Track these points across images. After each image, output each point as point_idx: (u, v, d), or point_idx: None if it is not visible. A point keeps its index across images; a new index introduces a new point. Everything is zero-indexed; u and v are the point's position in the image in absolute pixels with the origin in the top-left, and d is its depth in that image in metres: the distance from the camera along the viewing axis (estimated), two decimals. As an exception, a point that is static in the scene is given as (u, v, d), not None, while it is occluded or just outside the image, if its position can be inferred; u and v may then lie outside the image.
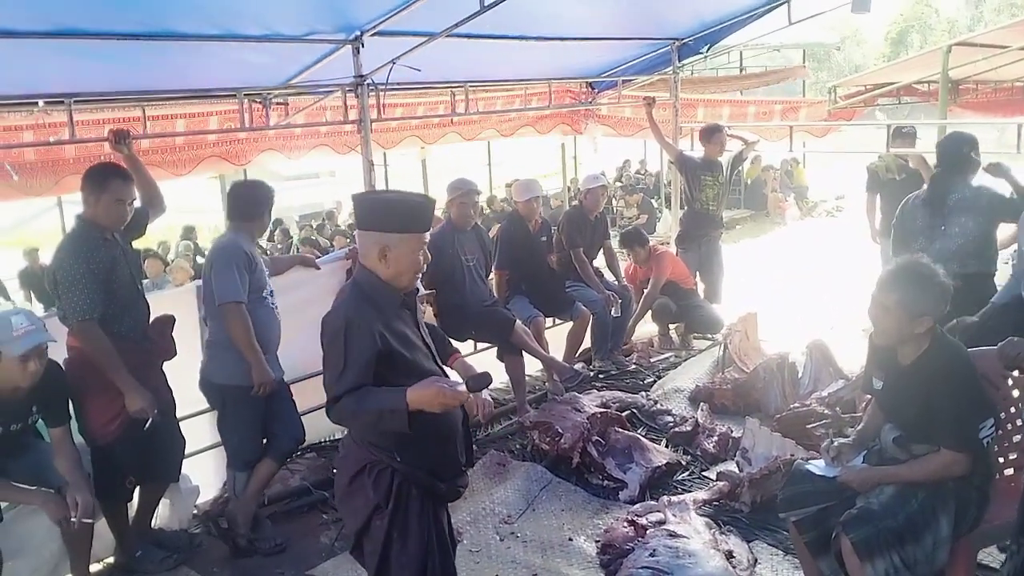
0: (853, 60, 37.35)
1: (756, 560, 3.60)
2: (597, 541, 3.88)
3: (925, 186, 4.95)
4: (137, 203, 3.76)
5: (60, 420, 3.41)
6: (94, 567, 3.71)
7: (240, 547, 3.98)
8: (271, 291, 4.08)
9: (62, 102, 4.36)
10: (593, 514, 4.20)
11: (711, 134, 6.90)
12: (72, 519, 3.21)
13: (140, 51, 4.16)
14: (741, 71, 19.12)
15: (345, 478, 2.58)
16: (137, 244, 3.95)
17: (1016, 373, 3.01)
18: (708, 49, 7.69)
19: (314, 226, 14.52)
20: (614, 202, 16.24)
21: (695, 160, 7.04)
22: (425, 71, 5.14)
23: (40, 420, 3.46)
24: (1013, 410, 3.01)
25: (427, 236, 2.53)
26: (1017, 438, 3.02)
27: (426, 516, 2.54)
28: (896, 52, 34.54)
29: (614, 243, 7.07)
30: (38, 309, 8.58)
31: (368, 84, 5.10)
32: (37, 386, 3.28)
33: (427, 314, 5.15)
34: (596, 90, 8.16)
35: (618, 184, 18.26)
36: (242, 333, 3.81)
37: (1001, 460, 3.03)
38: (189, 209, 14.16)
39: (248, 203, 4.03)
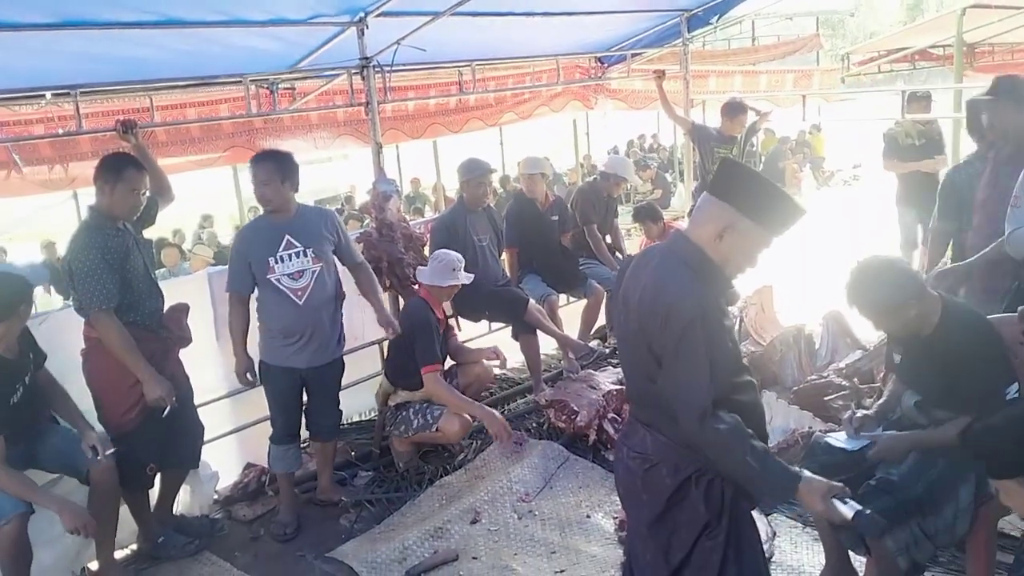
0: (868, 27, 36.77)
1: (775, 533, 3.60)
2: (615, 518, 3.89)
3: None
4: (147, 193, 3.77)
5: (44, 357, 3.52)
6: (118, 553, 3.76)
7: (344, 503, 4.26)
8: (288, 273, 3.87)
9: (68, 94, 4.37)
10: (611, 491, 4.18)
11: (734, 114, 6.74)
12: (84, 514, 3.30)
13: (143, 40, 4.15)
14: (753, 42, 18.86)
15: (664, 491, 2.19)
16: (151, 233, 3.98)
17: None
18: (718, 19, 7.59)
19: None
20: (628, 177, 16.07)
21: (710, 131, 6.95)
22: (431, 51, 5.10)
23: (33, 368, 3.46)
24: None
25: (772, 242, 2.16)
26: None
27: (756, 533, 2.26)
28: (912, 17, 33.98)
29: (627, 219, 7.01)
30: (57, 301, 8.66)
31: (374, 66, 5.08)
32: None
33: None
34: (606, 64, 8.08)
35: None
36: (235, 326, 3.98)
37: (1021, 428, 2.99)
38: (204, 196, 14.14)
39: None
